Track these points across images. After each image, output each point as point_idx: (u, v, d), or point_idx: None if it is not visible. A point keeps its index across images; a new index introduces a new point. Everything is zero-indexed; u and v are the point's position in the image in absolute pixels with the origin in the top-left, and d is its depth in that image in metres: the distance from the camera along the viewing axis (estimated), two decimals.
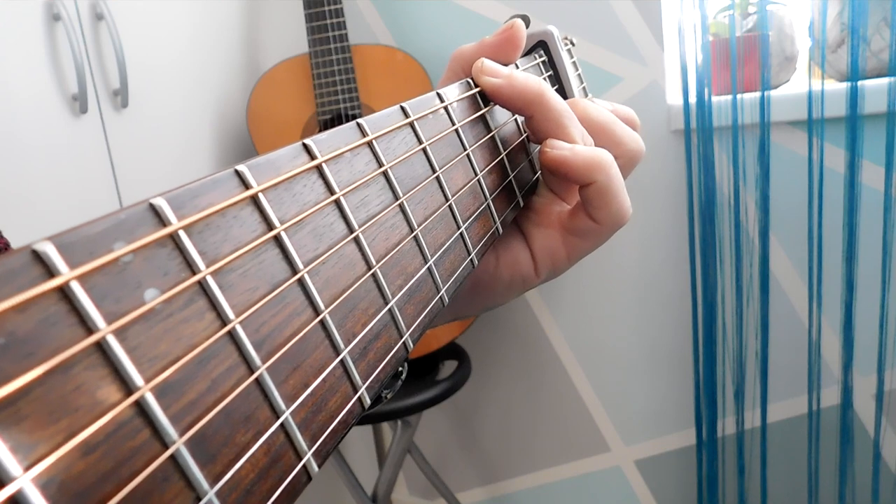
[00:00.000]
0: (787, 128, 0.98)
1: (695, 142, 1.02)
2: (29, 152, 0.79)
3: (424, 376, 1.09)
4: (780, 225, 1.01)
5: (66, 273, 0.09)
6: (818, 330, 1.01)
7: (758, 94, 0.97)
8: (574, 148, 0.25)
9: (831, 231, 0.97)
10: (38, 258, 0.09)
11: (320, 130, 1.08)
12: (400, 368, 0.28)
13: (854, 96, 0.91)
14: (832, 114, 0.94)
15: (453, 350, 1.17)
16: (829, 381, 1.03)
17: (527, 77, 0.26)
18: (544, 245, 0.28)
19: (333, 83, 1.06)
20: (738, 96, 0.98)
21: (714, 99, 1.00)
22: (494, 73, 0.25)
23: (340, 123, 1.03)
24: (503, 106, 0.26)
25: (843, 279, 0.98)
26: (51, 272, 0.09)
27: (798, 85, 1.01)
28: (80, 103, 0.84)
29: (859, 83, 0.90)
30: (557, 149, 0.25)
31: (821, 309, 1.00)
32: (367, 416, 0.99)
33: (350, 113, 1.08)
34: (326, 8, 1.04)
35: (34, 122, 0.80)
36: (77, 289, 0.10)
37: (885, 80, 0.89)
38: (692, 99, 1.00)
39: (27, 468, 0.08)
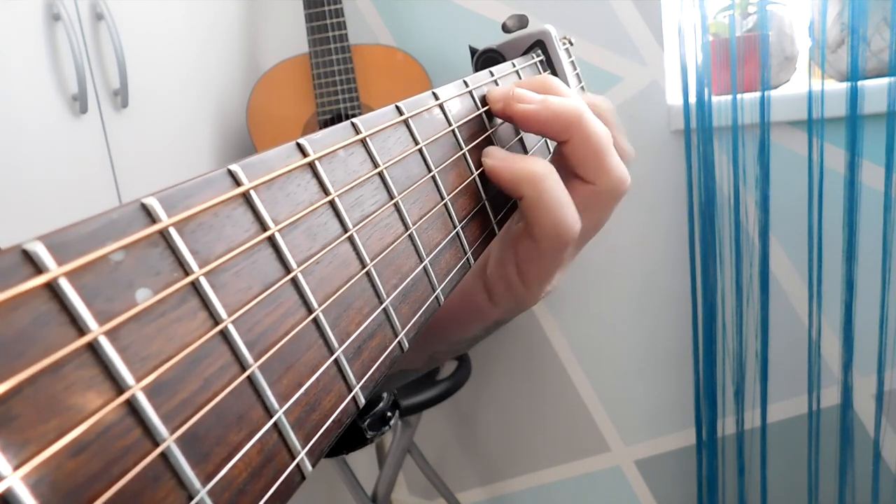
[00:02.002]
0: (787, 128, 0.98)
1: (695, 142, 1.02)
2: (29, 152, 0.79)
3: (424, 376, 1.09)
4: (780, 225, 1.01)
5: (54, 269, 0.09)
6: (818, 330, 1.01)
7: (758, 94, 0.97)
8: (507, 158, 0.24)
9: (831, 231, 0.97)
10: (29, 258, 0.09)
11: (320, 130, 1.07)
12: (388, 414, 0.28)
13: (854, 96, 0.91)
14: (832, 114, 0.93)
15: None
16: (829, 381, 1.02)
17: (563, 100, 0.24)
18: (498, 270, 0.26)
19: (333, 83, 1.06)
20: (738, 96, 0.98)
21: (714, 99, 1.00)
22: (528, 100, 0.24)
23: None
24: (538, 132, 0.25)
25: (843, 279, 0.98)
26: (40, 271, 0.09)
27: (798, 85, 1.01)
28: (80, 103, 0.84)
29: (859, 83, 0.90)
30: (490, 157, 0.24)
31: (821, 309, 1.00)
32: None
33: (350, 113, 1.08)
34: (326, 8, 1.04)
35: (34, 122, 0.80)
36: (68, 288, 0.10)
37: (885, 80, 0.89)
38: (692, 99, 1.00)
39: (17, 467, 0.08)
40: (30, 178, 0.79)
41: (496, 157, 0.24)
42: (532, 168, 0.23)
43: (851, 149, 0.93)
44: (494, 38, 0.33)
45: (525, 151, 0.28)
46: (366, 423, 0.26)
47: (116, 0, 0.89)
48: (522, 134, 0.28)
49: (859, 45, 0.90)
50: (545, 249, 0.24)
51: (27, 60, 0.79)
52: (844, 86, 0.92)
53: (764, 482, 1.09)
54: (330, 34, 1.05)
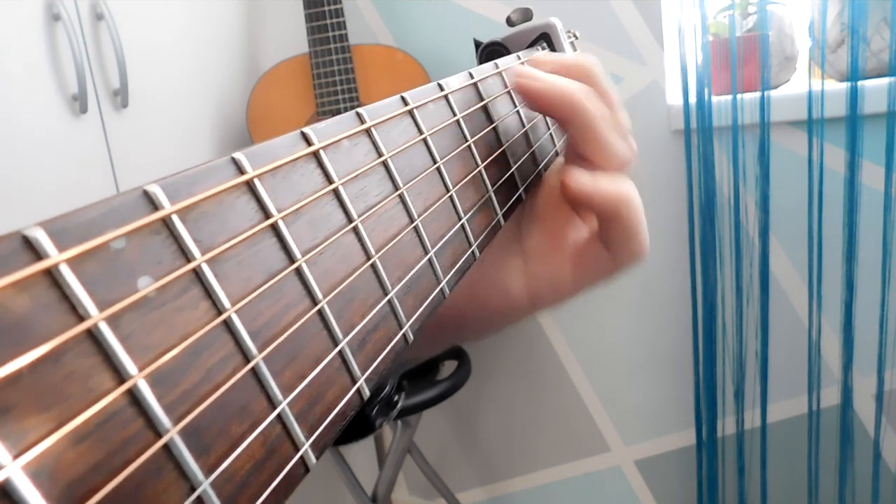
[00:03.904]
0: (787, 128, 0.98)
1: (695, 142, 1.02)
2: (29, 152, 0.79)
3: (424, 376, 1.09)
4: (780, 225, 1.01)
5: (54, 255, 0.09)
6: (818, 330, 1.01)
7: (758, 94, 0.97)
8: (597, 181, 0.24)
9: (831, 231, 0.97)
10: (29, 244, 0.09)
11: None
12: (396, 398, 0.28)
13: (854, 96, 0.91)
14: (832, 114, 0.93)
15: (453, 350, 1.16)
16: (829, 381, 1.02)
17: (569, 81, 0.25)
18: (550, 273, 0.26)
19: (333, 83, 1.06)
20: (738, 96, 0.98)
21: (714, 99, 1.00)
22: (537, 78, 0.24)
23: None
24: (545, 111, 0.25)
25: (843, 279, 0.98)
26: (41, 257, 0.09)
27: (798, 85, 1.01)
28: (80, 103, 0.84)
29: (859, 83, 0.90)
30: (579, 183, 0.23)
31: (821, 309, 1.00)
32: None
33: None
34: (326, 8, 1.04)
35: (34, 122, 0.80)
36: (69, 275, 0.09)
37: (885, 80, 0.89)
38: (692, 99, 1.00)
39: (16, 456, 0.08)
40: (30, 179, 0.79)
41: (586, 180, 0.24)
42: (627, 190, 0.24)
43: (851, 149, 0.93)
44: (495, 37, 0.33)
45: (529, 145, 0.28)
46: (374, 410, 0.26)
47: (116, 0, 0.88)
48: (528, 127, 0.28)
49: (859, 45, 0.90)
50: (620, 264, 0.25)
51: (27, 60, 0.79)
52: (844, 86, 0.92)
53: (764, 482, 1.09)
54: (330, 34, 1.05)
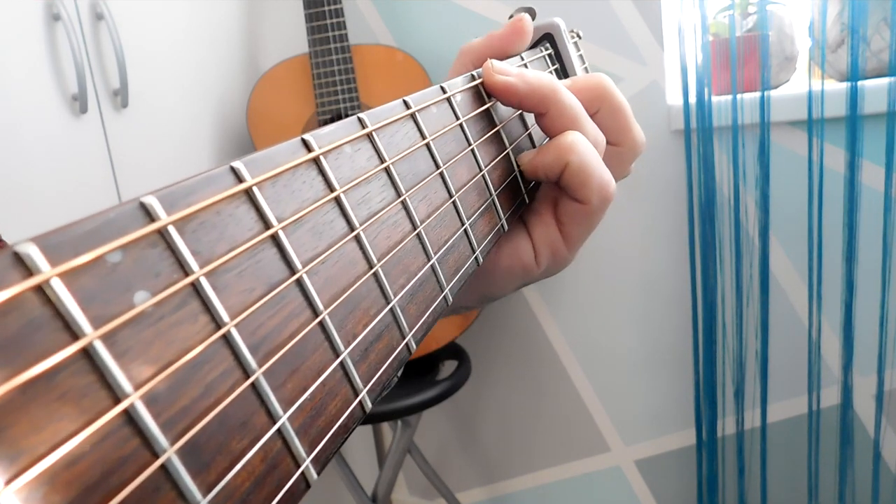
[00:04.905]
0: (787, 128, 0.98)
1: (695, 142, 1.02)
2: (29, 152, 0.79)
3: (424, 376, 1.09)
4: (780, 225, 1.01)
5: (46, 271, 0.09)
6: (818, 330, 1.01)
7: (758, 94, 0.97)
8: (539, 148, 0.26)
9: (831, 231, 0.97)
10: (20, 260, 0.09)
11: None
12: None
13: (854, 96, 0.90)
14: (832, 114, 0.93)
15: (453, 350, 1.16)
16: (829, 381, 1.02)
17: (539, 73, 0.26)
18: (543, 235, 0.28)
19: (333, 83, 1.06)
20: (738, 96, 0.98)
21: (714, 99, 1.00)
22: (506, 72, 0.25)
23: None
24: (517, 105, 0.26)
25: (843, 279, 0.97)
26: (32, 274, 0.09)
27: (798, 85, 1.01)
28: (80, 103, 0.83)
29: (859, 83, 0.90)
30: (524, 162, 0.26)
31: (821, 309, 1.00)
32: (367, 416, 0.98)
33: (350, 113, 1.07)
34: (326, 8, 1.03)
35: (34, 122, 0.79)
36: (62, 291, 0.09)
37: (885, 80, 0.89)
38: (692, 99, 1.00)
39: (8, 481, 0.08)
40: (30, 179, 0.79)
41: (530, 154, 0.26)
42: (568, 137, 0.25)
43: (851, 149, 0.93)
44: None
45: (533, 145, 0.28)
46: None
47: (116, 0, 0.88)
48: (531, 129, 0.28)
49: (859, 45, 0.90)
50: (594, 210, 0.26)
51: (27, 60, 0.79)
52: (844, 86, 0.92)
53: (764, 482, 1.09)
54: (330, 34, 1.04)
